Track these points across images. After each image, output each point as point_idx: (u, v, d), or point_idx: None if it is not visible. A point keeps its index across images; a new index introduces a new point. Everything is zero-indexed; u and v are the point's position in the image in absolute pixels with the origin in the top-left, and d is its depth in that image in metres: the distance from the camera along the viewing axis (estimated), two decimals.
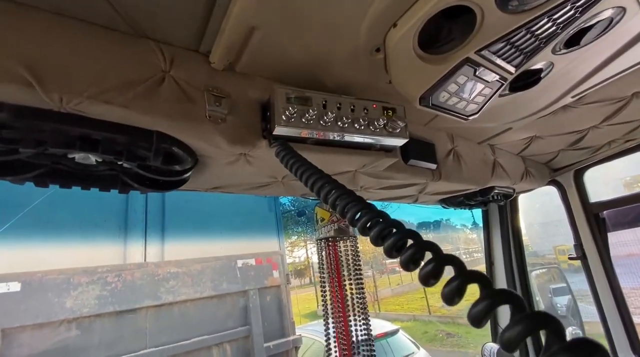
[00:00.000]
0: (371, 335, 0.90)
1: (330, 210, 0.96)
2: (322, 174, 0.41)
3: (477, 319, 0.22)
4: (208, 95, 0.52)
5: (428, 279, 0.26)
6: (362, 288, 0.91)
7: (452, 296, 0.23)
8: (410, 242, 0.28)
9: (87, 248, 2.65)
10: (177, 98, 0.50)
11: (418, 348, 5.35)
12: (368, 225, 0.32)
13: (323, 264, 0.96)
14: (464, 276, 0.23)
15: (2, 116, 0.40)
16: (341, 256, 0.96)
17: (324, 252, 0.97)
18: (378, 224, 0.31)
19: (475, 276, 0.23)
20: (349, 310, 0.92)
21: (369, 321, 0.91)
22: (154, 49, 0.50)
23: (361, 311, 0.89)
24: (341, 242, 0.97)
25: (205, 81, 0.53)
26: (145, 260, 2.83)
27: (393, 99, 0.67)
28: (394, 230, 0.30)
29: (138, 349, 2.49)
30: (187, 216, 3.20)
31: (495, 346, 1.63)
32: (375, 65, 0.63)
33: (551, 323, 0.19)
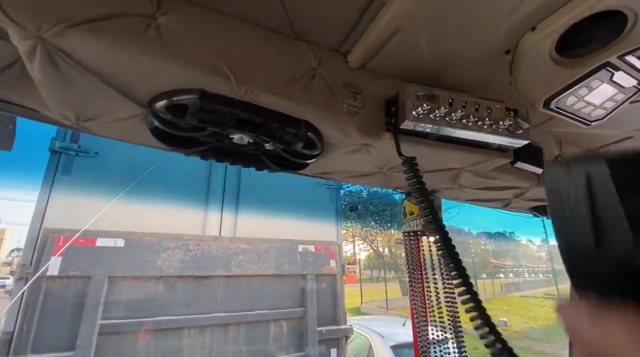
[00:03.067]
0: (461, 337, 0.90)
1: None
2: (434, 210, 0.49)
3: None
4: (346, 91, 0.59)
5: None
6: (452, 286, 0.91)
7: None
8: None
9: (174, 217, 3.03)
10: (324, 93, 0.57)
11: None
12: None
13: (408, 258, 1.00)
14: None
15: (204, 102, 0.52)
16: (428, 251, 0.99)
17: (410, 246, 1.01)
18: None
19: None
20: (432, 306, 0.94)
21: (459, 320, 0.91)
22: (307, 50, 0.58)
23: (451, 309, 0.90)
24: (429, 237, 0.99)
25: (343, 78, 0.60)
26: (220, 234, 3.14)
27: (509, 101, 0.68)
28: None
29: (210, 312, 2.80)
30: (258, 198, 3.45)
31: None
32: (500, 66, 0.64)
33: None
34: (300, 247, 3.36)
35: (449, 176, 0.80)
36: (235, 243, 3.05)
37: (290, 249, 3.30)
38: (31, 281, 2.25)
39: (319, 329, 3.14)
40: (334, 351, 3.22)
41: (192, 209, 3.14)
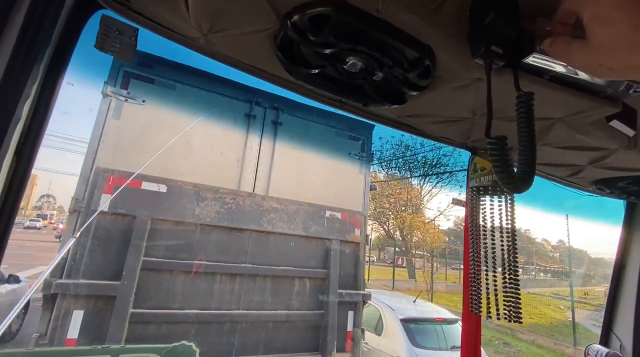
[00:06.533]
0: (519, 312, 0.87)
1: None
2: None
3: None
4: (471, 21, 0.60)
5: None
6: (516, 249, 0.90)
7: None
8: None
9: (212, 171, 3.14)
10: (452, 19, 0.58)
11: None
12: None
13: (472, 212, 1.02)
14: None
15: (345, 15, 0.54)
16: (492, 210, 1.00)
17: (475, 201, 1.03)
18: None
19: None
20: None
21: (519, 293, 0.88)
22: None
23: (512, 275, 0.88)
24: (495, 196, 1.00)
25: (469, 7, 0.60)
26: (253, 191, 3.25)
27: None
28: None
29: (240, 262, 2.96)
30: (291, 161, 3.52)
31: (604, 349, 1.54)
32: None
33: None
34: (328, 213, 3.44)
35: (540, 128, 0.80)
36: (268, 201, 3.16)
37: (318, 213, 3.39)
38: (93, 216, 2.43)
39: (339, 291, 3.27)
40: (351, 314, 3.37)
41: (228, 166, 3.24)
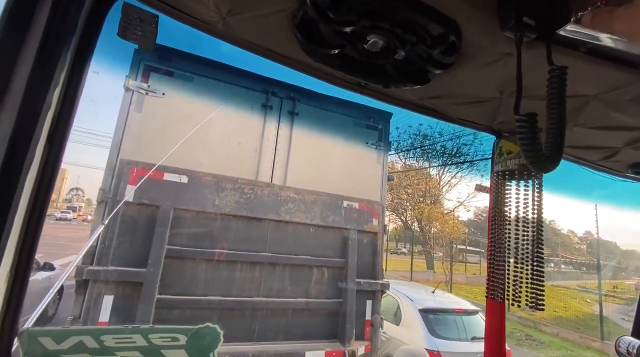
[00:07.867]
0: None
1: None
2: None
3: None
4: None
5: None
6: (541, 235, 0.86)
7: None
8: None
9: (231, 161, 3.19)
10: None
11: None
12: None
13: (498, 197, 0.99)
14: None
15: None
16: (518, 195, 0.96)
17: (499, 188, 0.99)
18: None
19: None
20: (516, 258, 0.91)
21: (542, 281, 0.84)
22: None
23: (537, 261, 0.84)
24: (522, 181, 0.96)
25: None
26: (271, 181, 3.28)
27: None
28: None
29: (260, 251, 3.01)
30: (308, 151, 3.52)
31: (636, 341, 1.48)
32: None
33: None
34: (345, 203, 3.44)
35: (574, 107, 0.75)
36: (286, 191, 3.19)
37: (336, 203, 3.39)
38: (118, 206, 2.52)
39: (357, 280, 3.28)
40: (369, 303, 3.38)
41: (246, 156, 3.28)
